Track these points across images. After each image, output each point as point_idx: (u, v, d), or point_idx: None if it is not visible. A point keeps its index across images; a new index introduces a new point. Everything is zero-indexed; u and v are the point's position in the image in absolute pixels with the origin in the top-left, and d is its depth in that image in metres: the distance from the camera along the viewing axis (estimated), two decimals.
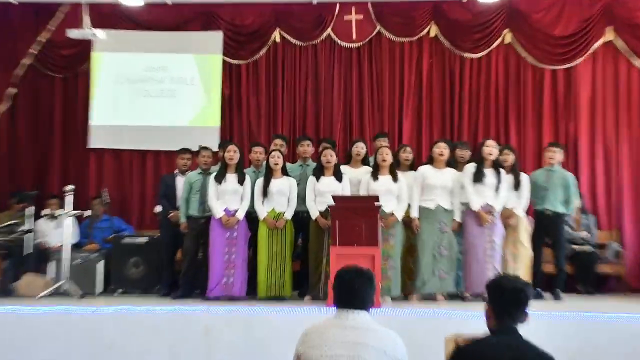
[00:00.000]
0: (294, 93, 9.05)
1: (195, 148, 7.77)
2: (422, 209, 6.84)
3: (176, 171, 7.73)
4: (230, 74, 9.13)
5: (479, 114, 8.84)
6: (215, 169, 7.24)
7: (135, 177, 9.09)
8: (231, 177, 6.89)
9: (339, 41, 9.01)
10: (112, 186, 8.90)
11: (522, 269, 6.84)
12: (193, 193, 7.18)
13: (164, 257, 7.47)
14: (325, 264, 6.69)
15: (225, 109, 9.08)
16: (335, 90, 8.99)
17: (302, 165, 7.43)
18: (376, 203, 6.43)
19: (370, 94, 8.99)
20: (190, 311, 6.11)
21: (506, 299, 2.84)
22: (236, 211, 6.84)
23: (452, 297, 6.89)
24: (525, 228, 6.96)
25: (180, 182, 7.45)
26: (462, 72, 8.91)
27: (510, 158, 6.94)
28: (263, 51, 9.08)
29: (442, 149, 6.88)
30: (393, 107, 8.94)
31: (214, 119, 9.00)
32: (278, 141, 7.60)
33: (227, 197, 6.85)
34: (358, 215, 6.29)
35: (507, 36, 8.85)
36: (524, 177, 6.98)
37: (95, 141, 9.03)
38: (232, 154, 6.91)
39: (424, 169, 6.91)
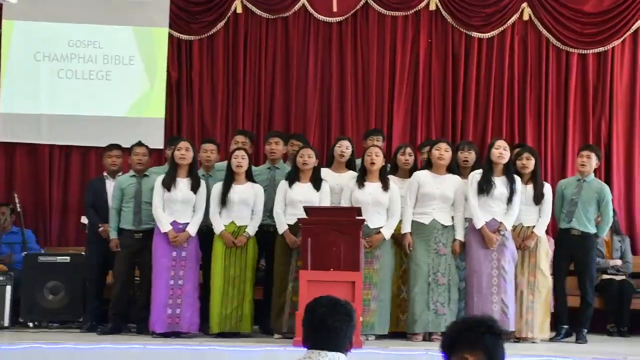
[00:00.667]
0: (259, 77, 9.04)
1: (132, 144, 7.70)
2: (414, 224, 6.83)
3: (105, 173, 7.67)
4: (178, 53, 9.11)
5: (489, 107, 8.87)
6: (154, 171, 7.18)
7: (56, 179, 9.03)
8: (182, 183, 6.86)
9: (315, 14, 9.02)
10: (26, 190, 8.82)
11: (541, 303, 6.85)
12: (125, 201, 7.13)
13: (90, 281, 7.41)
14: (291, 291, 6.67)
15: (172, 96, 9.04)
16: (310, 76, 8.98)
17: (271, 168, 7.41)
18: (358, 217, 6.42)
19: (353, 81, 8.99)
20: (122, 350, 6.08)
21: (492, 336, 2.83)
22: (186, 225, 6.78)
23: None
24: (546, 252, 6.97)
25: (111, 186, 7.41)
26: (469, 56, 8.94)
27: (530, 164, 6.93)
28: (220, 24, 9.06)
29: (442, 151, 6.88)
30: (382, 97, 8.94)
31: (158, 109, 8.98)
32: (240, 138, 7.57)
33: (176, 208, 6.82)
34: (336, 232, 6.28)
35: (526, 11, 8.91)
36: (548, 189, 6.98)
37: (5, 133, 8.96)
38: (184, 152, 6.87)
39: (420, 175, 6.91)
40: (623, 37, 8.81)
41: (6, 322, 7.33)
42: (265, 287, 7.24)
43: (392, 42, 9.00)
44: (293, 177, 6.91)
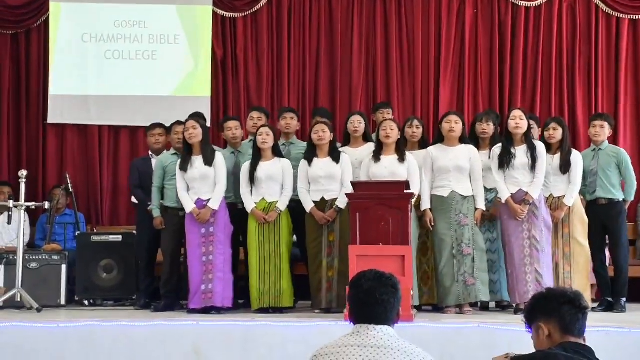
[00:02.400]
0: (304, 53, 9.06)
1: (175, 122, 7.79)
2: (433, 198, 6.82)
3: (150, 152, 7.78)
4: (223, 30, 9.15)
5: (537, 77, 8.80)
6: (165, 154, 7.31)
7: (106, 159, 9.15)
8: (197, 160, 6.92)
9: None
10: (77, 171, 8.98)
11: (579, 273, 6.80)
12: (168, 179, 7.18)
13: (141, 259, 7.52)
14: (325, 266, 6.74)
15: (217, 74, 9.10)
16: (355, 50, 8.97)
17: (285, 144, 7.47)
18: (407, 190, 6.45)
19: (399, 55, 8.97)
20: (175, 327, 6.14)
21: (572, 304, 2.89)
22: (209, 201, 6.88)
23: (503, 306, 6.91)
24: (581, 220, 6.89)
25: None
26: (516, 25, 8.87)
27: (557, 134, 6.87)
28: (264, 1, 9.08)
29: (452, 124, 6.85)
30: (428, 70, 8.91)
31: (204, 87, 9.04)
32: (255, 114, 7.62)
33: (197, 185, 6.88)
34: (384, 206, 6.30)
35: None
36: (576, 156, 6.90)
37: (55, 115, 9.09)
38: (191, 131, 6.89)
39: (432, 149, 6.90)
40: None
41: (63, 301, 7.47)
42: (305, 263, 7.29)
43: (437, 13, 8.95)
44: (311, 155, 6.94)
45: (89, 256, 7.67)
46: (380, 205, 6.31)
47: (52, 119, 9.10)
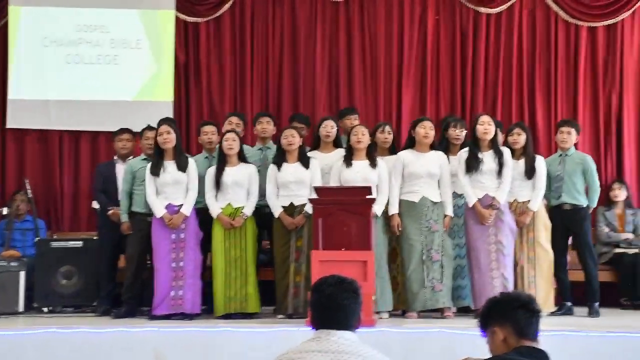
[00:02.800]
0: (266, 58, 9.05)
1: (142, 128, 7.77)
2: (404, 204, 6.85)
3: (115, 157, 7.73)
4: (185, 35, 9.11)
5: (498, 83, 8.86)
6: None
7: (67, 164, 9.06)
8: (170, 165, 6.91)
9: None
10: (37, 176, 8.87)
11: (543, 278, 6.89)
12: (137, 184, 7.17)
13: (102, 265, 7.47)
14: (293, 271, 6.74)
15: (180, 79, 9.06)
16: (317, 56, 8.97)
17: (262, 149, 7.47)
18: (369, 196, 6.47)
19: (361, 60, 8.98)
20: (137, 333, 6.12)
21: (526, 308, 2.90)
22: (181, 206, 6.85)
23: (461, 311, 6.95)
24: (544, 225, 7.00)
25: (121, 170, 7.46)
26: (477, 32, 8.92)
27: (521, 139, 6.97)
28: (227, 6, 9.06)
29: (427, 130, 6.91)
30: (390, 76, 8.94)
31: (166, 92, 9.00)
32: (234, 119, 7.64)
33: (168, 190, 6.88)
34: (346, 211, 6.32)
35: None
36: (540, 162, 6.99)
37: (14, 119, 8.99)
38: (166, 136, 6.90)
39: (404, 154, 6.94)
40: (633, 9, 8.78)
41: (21, 308, 7.38)
42: (272, 268, 7.30)
43: (399, 19, 8.98)
44: (280, 159, 6.96)
45: (49, 262, 7.59)
46: (343, 210, 6.34)
47: (11, 123, 8.99)
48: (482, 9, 8.91)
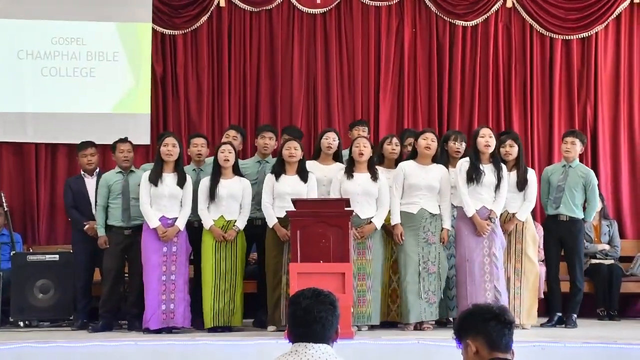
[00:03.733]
0: (244, 71, 9.04)
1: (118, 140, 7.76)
2: (402, 215, 6.87)
3: (82, 172, 7.71)
4: (162, 48, 9.08)
5: (475, 95, 8.92)
6: (146, 168, 7.22)
7: (43, 178, 8.97)
8: (169, 178, 6.90)
9: (299, 6, 9.02)
10: (13, 190, 8.81)
11: (528, 290, 6.93)
12: (113, 198, 7.16)
13: (78, 279, 7.43)
14: (285, 283, 6.74)
15: (157, 92, 9.04)
16: (295, 68, 8.99)
17: (261, 162, 7.46)
18: (347, 208, 6.47)
19: (339, 72, 9.01)
20: (113, 347, 6.09)
21: (498, 320, 2.89)
22: (175, 220, 6.82)
23: (440, 323, 6.96)
24: (532, 237, 7.04)
25: (91, 184, 7.44)
26: (453, 44, 8.97)
27: (514, 151, 7.00)
28: (204, 18, 9.05)
29: (429, 141, 6.92)
30: (368, 88, 8.97)
31: (144, 104, 8.96)
32: (231, 132, 7.64)
33: (164, 203, 6.86)
34: (324, 224, 6.32)
35: None
36: (531, 175, 7.05)
37: None
38: (170, 148, 6.91)
39: (405, 166, 6.95)
40: (606, 22, 8.88)
41: None
42: (259, 280, 7.29)
43: (376, 32, 9.02)
44: (279, 170, 6.95)
45: (25, 276, 7.54)
46: (320, 222, 6.34)
47: None
48: (458, 22, 8.96)
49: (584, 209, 7.32)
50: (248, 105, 9.01)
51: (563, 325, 7.12)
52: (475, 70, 8.95)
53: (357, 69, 8.98)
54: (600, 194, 8.29)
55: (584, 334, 6.59)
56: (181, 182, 6.89)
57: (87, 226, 7.35)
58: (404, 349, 5.91)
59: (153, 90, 8.99)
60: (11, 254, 7.79)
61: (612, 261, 8.04)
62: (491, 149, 6.85)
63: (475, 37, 8.98)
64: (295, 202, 6.52)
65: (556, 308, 7.23)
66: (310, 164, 7.07)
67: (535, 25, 8.93)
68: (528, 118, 8.89)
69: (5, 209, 8.13)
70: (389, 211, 6.90)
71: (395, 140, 7.27)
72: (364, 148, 6.89)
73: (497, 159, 6.86)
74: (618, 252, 8.17)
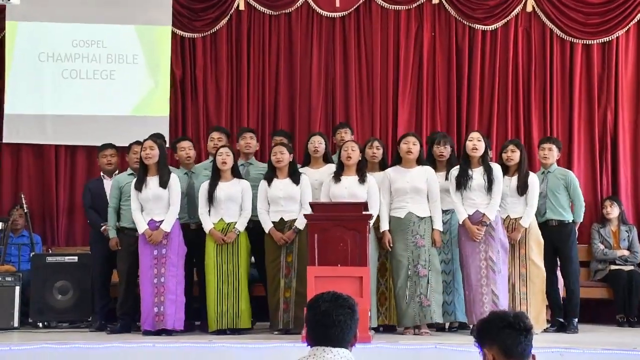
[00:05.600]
0: (263, 74, 9.06)
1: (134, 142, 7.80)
2: (391, 219, 6.88)
3: (102, 174, 7.75)
4: (182, 51, 9.12)
5: (494, 100, 8.88)
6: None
7: (63, 179, 9.03)
8: (152, 181, 6.92)
9: (318, 9, 9.03)
10: (32, 191, 8.87)
11: (535, 294, 6.89)
12: (124, 200, 7.19)
13: (96, 281, 7.47)
14: (283, 287, 6.73)
15: (176, 94, 9.07)
16: (314, 72, 8.99)
17: (244, 164, 7.49)
18: (365, 212, 6.47)
19: (358, 77, 9.01)
20: (131, 349, 6.12)
21: (512, 328, 2.87)
22: (162, 222, 6.85)
23: (451, 327, 6.96)
24: (536, 241, 7.00)
25: (109, 186, 7.48)
26: (473, 48, 8.95)
27: (515, 156, 6.98)
28: (223, 22, 9.08)
29: (410, 145, 6.93)
30: (386, 92, 8.95)
31: (163, 107, 9.00)
32: (215, 134, 7.67)
33: (150, 206, 6.89)
34: (342, 227, 6.32)
35: (529, 3, 8.90)
36: (532, 179, 7.01)
37: (11, 134, 8.97)
38: (148, 151, 6.91)
39: (390, 172, 6.97)
40: (628, 27, 8.82)
41: (16, 323, 7.36)
42: (263, 283, 7.29)
43: (395, 36, 9.01)
44: (271, 175, 6.98)
45: (44, 277, 7.59)
46: (338, 226, 6.35)
47: (7, 138, 8.98)
48: (478, 26, 8.93)
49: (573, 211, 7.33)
50: (267, 108, 9.02)
51: (567, 331, 7.09)
52: (494, 74, 8.91)
53: (376, 73, 8.97)
54: (618, 200, 8.27)
55: (603, 340, 6.55)
56: (164, 184, 6.88)
57: (103, 227, 7.37)
58: (422, 354, 5.89)
59: (172, 93, 9.02)
60: (31, 255, 7.84)
61: (631, 267, 7.98)
62: (479, 152, 6.82)
63: (495, 42, 8.95)
64: (313, 205, 6.53)
65: (557, 314, 7.21)
66: (303, 171, 7.08)
67: (556, 30, 8.89)
68: (548, 123, 8.84)
69: (25, 211, 8.18)
70: (377, 217, 6.87)
71: (376, 143, 7.25)
72: (352, 151, 6.90)
73: (487, 162, 6.83)
74: (638, 257, 8.10)
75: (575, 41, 8.87)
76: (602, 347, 6.05)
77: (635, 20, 8.82)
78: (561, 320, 7.18)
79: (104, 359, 6.02)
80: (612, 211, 8.13)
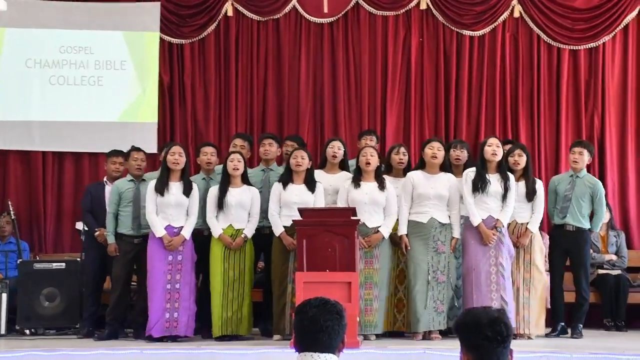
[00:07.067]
0: (251, 80, 9.06)
1: (126, 149, 7.77)
2: (412, 224, 6.86)
3: (105, 179, 7.71)
4: (170, 57, 9.11)
5: (482, 105, 8.90)
6: (150, 177, 7.22)
7: (50, 185, 9.01)
8: (175, 187, 6.90)
9: (306, 15, 9.04)
10: (20, 198, 8.84)
11: (536, 300, 6.90)
12: (123, 206, 7.16)
13: (87, 287, 7.42)
14: (291, 292, 6.72)
15: (164, 100, 9.05)
16: (302, 77, 9.00)
17: (265, 170, 7.46)
18: (353, 217, 6.45)
19: (346, 82, 9.02)
20: (119, 356, 6.09)
21: (484, 335, 2.81)
22: (181, 229, 6.82)
23: (448, 332, 6.94)
24: (540, 248, 7.03)
25: (109, 191, 7.42)
26: (460, 54, 8.97)
27: (522, 161, 6.99)
28: (211, 28, 9.08)
29: (435, 150, 6.92)
30: (374, 98, 8.97)
31: (151, 113, 8.98)
32: (238, 141, 7.64)
33: (170, 212, 6.86)
34: (330, 233, 6.30)
35: (516, 9, 8.94)
36: (539, 185, 7.03)
37: None
38: (177, 157, 6.92)
39: (414, 175, 6.94)
40: (614, 33, 8.86)
41: (3, 330, 7.33)
42: (264, 289, 7.28)
43: (383, 41, 9.02)
44: (287, 179, 6.95)
45: (31, 284, 7.54)
46: (327, 232, 6.33)
47: None
48: (466, 32, 8.95)
49: (591, 219, 7.30)
50: (255, 114, 9.02)
51: (568, 335, 7.11)
52: (482, 80, 8.93)
53: (364, 79, 8.98)
54: (608, 205, 8.28)
55: (591, 345, 6.56)
56: (187, 191, 6.90)
57: (97, 233, 7.34)
58: (410, 359, 5.87)
59: (160, 99, 9.01)
60: (18, 262, 7.80)
61: (619, 272, 8.00)
62: (498, 158, 6.85)
63: (483, 47, 8.97)
64: (301, 211, 6.51)
65: (560, 318, 7.20)
66: (316, 174, 7.07)
67: (543, 36, 8.92)
68: (535, 128, 8.87)
69: (13, 217, 8.14)
70: (397, 220, 6.88)
71: (402, 149, 7.25)
72: (370, 157, 6.89)
73: (504, 168, 6.85)
74: (625, 262, 8.13)
75: (562, 47, 8.90)
76: (590, 351, 6.06)
77: (622, 26, 8.86)
78: (563, 324, 7.17)
79: None
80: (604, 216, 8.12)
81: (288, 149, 7.50)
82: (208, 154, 7.40)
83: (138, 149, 7.40)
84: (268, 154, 7.51)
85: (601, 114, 8.86)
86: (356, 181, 6.88)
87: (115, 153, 7.71)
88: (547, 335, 7.03)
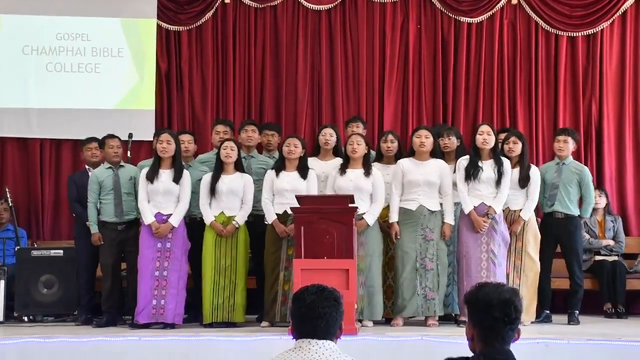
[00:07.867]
0: (249, 67, 9.04)
1: (124, 136, 7.78)
2: (401, 211, 6.84)
3: (87, 167, 7.69)
4: (167, 44, 9.09)
5: (480, 92, 8.89)
6: (145, 164, 7.21)
7: (48, 173, 9.00)
8: (165, 174, 6.89)
9: (304, 2, 9.01)
10: (17, 185, 8.83)
11: (527, 287, 6.90)
12: (104, 194, 7.16)
13: (81, 275, 7.42)
14: (282, 279, 6.72)
15: (161, 88, 9.04)
16: (300, 64, 8.98)
17: (246, 157, 7.43)
18: (351, 204, 6.45)
19: (344, 69, 9.00)
20: (117, 343, 6.08)
21: (492, 316, 2.83)
22: (170, 216, 6.82)
23: (446, 318, 6.93)
24: (534, 235, 7.00)
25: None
26: (458, 41, 8.95)
27: (517, 148, 6.96)
28: (209, 14, 9.05)
29: (422, 139, 6.88)
30: (372, 84, 8.96)
31: (148, 100, 8.97)
32: (220, 127, 7.62)
33: (159, 199, 6.86)
34: (328, 220, 6.30)
35: None
36: (534, 172, 7.01)
37: None
38: (165, 145, 6.88)
39: (403, 163, 6.92)
40: (612, 19, 8.84)
41: (1, 317, 7.33)
42: (257, 276, 7.28)
43: (381, 28, 9.00)
44: (279, 166, 6.94)
45: (29, 271, 7.54)
46: (324, 219, 6.32)
47: None
48: (463, 18, 8.93)
49: (581, 206, 7.31)
50: (253, 101, 9.01)
51: (564, 322, 7.13)
52: (480, 67, 8.92)
53: (362, 66, 8.96)
54: (604, 190, 8.29)
55: (588, 331, 6.56)
56: (177, 178, 6.87)
57: (89, 221, 7.33)
58: (407, 345, 5.89)
59: (157, 86, 8.99)
60: (15, 249, 7.79)
61: (615, 258, 8.00)
62: (489, 145, 6.80)
63: (480, 34, 8.95)
64: (299, 198, 6.51)
65: (545, 306, 7.21)
66: (310, 161, 7.06)
67: (541, 22, 8.90)
68: (533, 115, 8.86)
69: (10, 204, 8.14)
70: (386, 208, 6.86)
71: (390, 137, 7.20)
72: (357, 145, 6.86)
73: (498, 155, 6.82)
74: (622, 247, 8.14)
75: (560, 33, 8.89)
76: (587, 337, 6.06)
77: (620, 12, 8.84)
78: (547, 311, 7.18)
79: (89, 353, 5.99)
80: (601, 201, 8.13)
81: (269, 139, 7.58)
82: (185, 141, 7.35)
83: (113, 136, 7.37)
84: (251, 140, 7.51)
85: (599, 100, 8.87)
86: (343, 168, 6.87)
87: (89, 140, 7.70)
88: (533, 323, 7.02)
